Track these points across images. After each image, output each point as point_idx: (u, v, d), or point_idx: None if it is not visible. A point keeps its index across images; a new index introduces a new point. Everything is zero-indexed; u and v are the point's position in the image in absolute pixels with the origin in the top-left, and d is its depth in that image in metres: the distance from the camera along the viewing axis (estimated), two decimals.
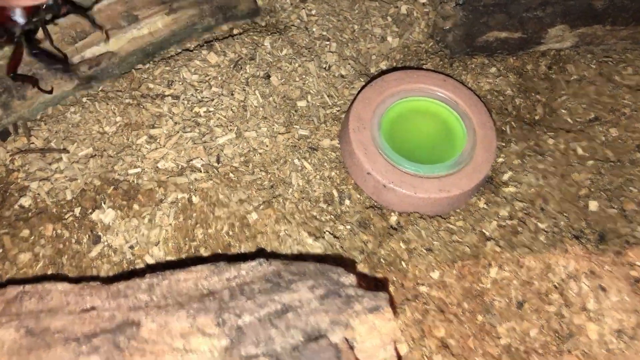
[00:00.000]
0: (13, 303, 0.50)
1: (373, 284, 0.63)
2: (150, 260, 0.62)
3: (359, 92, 0.74)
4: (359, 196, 0.70)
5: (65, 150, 0.67)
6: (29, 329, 0.47)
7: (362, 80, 0.79)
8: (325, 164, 0.71)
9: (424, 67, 0.81)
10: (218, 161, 0.68)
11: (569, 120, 0.80)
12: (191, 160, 0.67)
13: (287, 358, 0.45)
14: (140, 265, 0.61)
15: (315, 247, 0.63)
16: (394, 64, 0.83)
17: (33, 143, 0.67)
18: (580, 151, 0.75)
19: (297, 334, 0.47)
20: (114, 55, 0.67)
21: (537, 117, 0.81)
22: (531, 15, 0.76)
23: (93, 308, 0.49)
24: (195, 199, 0.64)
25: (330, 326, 0.47)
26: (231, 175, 0.67)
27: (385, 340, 0.49)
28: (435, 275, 0.64)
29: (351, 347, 0.47)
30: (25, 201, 0.63)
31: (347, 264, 0.62)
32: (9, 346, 0.45)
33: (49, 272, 0.59)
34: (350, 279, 0.51)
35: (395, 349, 0.51)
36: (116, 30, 0.67)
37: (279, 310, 0.49)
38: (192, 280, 0.53)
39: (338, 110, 0.76)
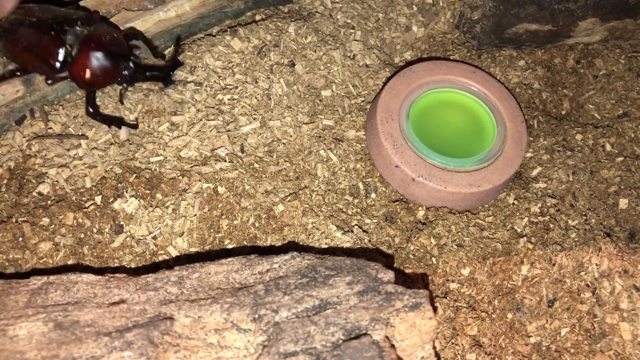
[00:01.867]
0: (38, 294, 0.48)
1: (402, 280, 0.61)
2: (173, 252, 0.60)
3: (386, 82, 0.72)
4: (384, 189, 0.68)
5: (84, 136, 0.64)
6: (58, 322, 0.45)
7: (387, 70, 0.77)
8: (351, 156, 0.69)
9: (451, 58, 0.79)
10: (242, 150, 0.66)
11: (597, 115, 0.78)
12: (215, 149, 0.65)
13: (327, 356, 0.43)
14: (163, 256, 0.59)
15: (345, 241, 0.61)
16: (419, 54, 0.81)
17: (51, 128, 0.65)
18: (608, 147, 0.74)
19: (337, 332, 0.45)
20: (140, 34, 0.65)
21: (563, 112, 0.79)
22: (562, 8, 0.74)
23: (122, 301, 0.47)
24: (221, 189, 0.62)
25: (371, 324, 0.46)
26: (256, 165, 0.65)
27: (425, 339, 0.48)
28: (466, 271, 0.62)
29: (392, 346, 0.45)
30: (44, 188, 0.61)
31: (379, 259, 0.60)
32: (38, 339, 0.43)
33: (70, 262, 0.57)
34: (388, 275, 0.49)
35: (434, 347, 0.50)
36: (142, 12, 0.64)
37: (317, 306, 0.47)
38: (223, 274, 0.51)
39: (363, 101, 0.74)
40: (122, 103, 0.64)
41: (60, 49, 0.57)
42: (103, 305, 0.47)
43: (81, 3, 0.62)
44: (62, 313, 0.46)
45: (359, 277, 0.49)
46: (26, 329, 0.44)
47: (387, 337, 0.46)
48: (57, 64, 0.57)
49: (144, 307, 0.47)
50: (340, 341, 0.44)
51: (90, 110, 0.60)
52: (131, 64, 0.59)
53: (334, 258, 0.51)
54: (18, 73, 0.60)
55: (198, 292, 0.49)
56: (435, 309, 0.58)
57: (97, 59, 0.57)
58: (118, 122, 0.63)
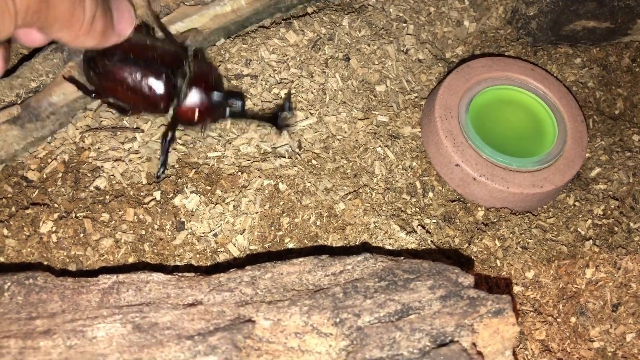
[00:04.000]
0: (110, 294, 0.47)
1: None
2: (233, 249, 0.58)
3: (444, 78, 0.71)
4: (441, 188, 0.67)
5: (139, 130, 0.63)
6: (136, 324, 0.43)
7: (440, 65, 0.76)
8: (407, 153, 0.68)
9: (506, 54, 0.77)
10: (300, 147, 0.64)
11: None
12: (274, 144, 0.63)
13: None
14: (223, 254, 0.58)
15: (409, 241, 0.60)
16: (471, 49, 0.79)
17: (104, 120, 0.63)
18: None
19: (423, 338, 0.44)
20: (198, 32, 0.63)
21: (617, 112, 0.78)
22: (622, 5, 0.73)
23: (199, 302, 0.46)
24: (282, 187, 0.60)
25: (457, 330, 0.44)
26: (314, 162, 0.64)
27: (507, 345, 0.47)
28: (530, 274, 0.61)
29: (479, 353, 0.44)
30: (101, 183, 0.59)
31: (444, 262, 0.59)
32: (118, 342, 0.42)
33: (130, 259, 0.56)
34: (469, 279, 0.48)
35: (514, 353, 0.48)
36: (200, 6, 0.62)
37: (399, 311, 0.45)
38: (295, 274, 0.50)
39: (416, 97, 0.73)
40: (203, 137, 0.63)
41: (170, 92, 0.54)
42: (178, 306, 0.46)
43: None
44: (138, 314, 0.44)
45: (440, 281, 0.47)
46: (104, 331, 0.43)
47: (473, 344, 0.44)
48: (163, 106, 0.55)
49: (222, 308, 0.45)
50: (427, 348, 0.43)
51: (169, 137, 0.57)
52: (238, 104, 0.56)
53: (410, 261, 0.50)
54: (111, 104, 0.59)
55: (273, 293, 0.48)
56: (517, 315, 0.57)
57: (207, 100, 0.54)
58: (164, 161, 0.59)
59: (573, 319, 0.60)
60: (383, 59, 0.72)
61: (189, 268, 0.56)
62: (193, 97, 0.54)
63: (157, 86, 0.53)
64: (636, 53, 0.80)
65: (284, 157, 0.62)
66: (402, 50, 0.74)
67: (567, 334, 0.59)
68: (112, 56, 0.53)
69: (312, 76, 0.68)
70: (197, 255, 0.57)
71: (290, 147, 0.64)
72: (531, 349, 0.56)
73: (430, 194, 0.66)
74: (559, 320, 0.59)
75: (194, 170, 0.60)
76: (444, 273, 0.48)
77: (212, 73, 0.56)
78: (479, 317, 0.45)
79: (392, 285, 0.47)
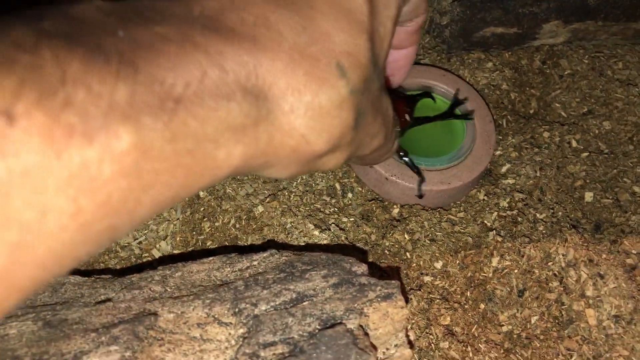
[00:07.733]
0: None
1: (379, 274, 0.64)
2: (157, 254, 0.62)
3: None
4: (360, 189, 0.71)
5: None
6: (47, 321, 0.47)
7: None
8: None
9: (422, 62, 0.82)
10: None
11: (563, 113, 0.82)
12: None
13: (304, 345, 0.46)
14: (147, 259, 0.62)
15: (322, 238, 0.64)
16: None
17: None
18: (574, 144, 0.78)
19: (314, 322, 0.47)
20: None
21: (531, 111, 0.83)
22: (526, 11, 0.78)
23: (109, 300, 0.50)
24: (202, 193, 0.64)
25: (346, 314, 0.48)
26: None
27: (397, 327, 0.50)
28: (439, 265, 0.65)
29: (366, 334, 0.48)
30: None
31: (355, 254, 0.63)
32: (28, 337, 0.45)
33: None
34: (362, 268, 0.52)
35: (407, 335, 0.52)
36: None
37: (294, 299, 0.49)
38: (204, 272, 0.54)
39: None
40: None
41: None
42: (90, 304, 0.49)
43: None
44: (50, 312, 0.48)
45: (334, 270, 0.51)
46: (16, 328, 0.46)
47: (361, 325, 0.48)
48: None
49: (129, 304, 0.49)
50: (317, 331, 0.47)
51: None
52: None
53: (310, 254, 0.54)
54: None
55: (181, 289, 0.52)
56: (407, 299, 0.61)
57: None
58: None
59: (482, 305, 0.64)
60: None
61: (113, 272, 0.60)
62: None
63: None
64: (546, 55, 0.85)
65: None
66: None
67: (476, 320, 0.63)
68: None
69: None
70: (123, 262, 0.61)
71: None
72: (435, 333, 0.60)
73: (350, 195, 0.70)
74: (466, 306, 0.63)
75: None
76: (339, 263, 0.52)
77: None
78: (368, 302, 0.49)
79: (290, 277, 0.51)
